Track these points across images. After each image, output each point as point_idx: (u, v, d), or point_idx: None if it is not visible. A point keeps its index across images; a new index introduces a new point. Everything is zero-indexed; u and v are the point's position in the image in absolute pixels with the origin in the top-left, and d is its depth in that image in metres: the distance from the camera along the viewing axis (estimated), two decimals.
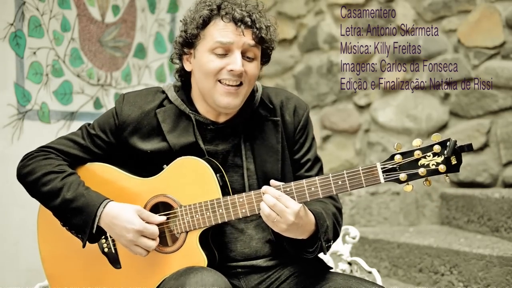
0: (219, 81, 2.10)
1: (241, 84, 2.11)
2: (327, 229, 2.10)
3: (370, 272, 2.56)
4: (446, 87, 4.08)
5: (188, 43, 2.14)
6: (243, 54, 2.10)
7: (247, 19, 2.08)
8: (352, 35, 4.46)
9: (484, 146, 3.95)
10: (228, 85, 2.09)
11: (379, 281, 2.48)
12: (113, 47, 3.75)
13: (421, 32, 4.18)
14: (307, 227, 2.03)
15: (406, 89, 4.26)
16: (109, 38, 3.73)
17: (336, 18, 4.50)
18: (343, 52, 4.49)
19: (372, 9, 4.35)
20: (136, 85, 3.86)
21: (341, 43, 4.48)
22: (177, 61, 2.23)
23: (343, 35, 4.48)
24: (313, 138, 2.30)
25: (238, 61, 2.07)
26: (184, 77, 2.24)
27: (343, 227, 2.72)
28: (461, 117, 4.05)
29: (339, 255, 2.71)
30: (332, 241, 2.14)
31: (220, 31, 2.08)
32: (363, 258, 3.62)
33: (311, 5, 4.62)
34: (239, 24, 2.07)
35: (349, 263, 2.67)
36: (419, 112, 4.19)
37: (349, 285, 2.08)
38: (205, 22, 2.10)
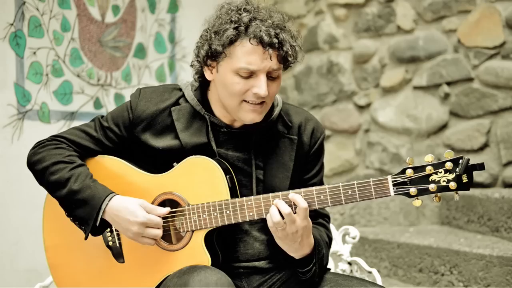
0: (244, 100, 2.08)
1: (263, 102, 2.10)
2: (322, 257, 2.12)
3: (370, 272, 2.56)
4: (446, 87, 4.08)
5: (211, 57, 2.10)
6: (267, 75, 2.07)
7: (275, 41, 2.03)
8: (352, 35, 4.46)
9: (484, 146, 3.95)
10: (253, 103, 2.08)
11: (379, 281, 2.48)
12: (113, 47, 3.76)
13: (421, 32, 4.19)
14: (302, 248, 2.05)
15: (406, 89, 4.27)
16: (109, 38, 3.73)
17: (336, 18, 4.50)
18: (343, 52, 4.50)
19: (372, 9, 4.35)
20: (136, 85, 3.86)
21: (341, 43, 4.49)
22: (197, 65, 2.19)
23: (343, 35, 4.48)
24: (323, 164, 2.31)
25: (263, 85, 2.04)
26: (203, 78, 2.21)
27: (343, 227, 2.74)
28: (461, 117, 4.05)
29: (339, 255, 2.71)
30: (323, 270, 2.16)
31: (247, 55, 2.03)
32: (363, 258, 3.62)
33: (311, 5, 4.63)
34: (267, 48, 2.03)
35: (349, 263, 2.67)
36: (419, 112, 4.19)
37: (349, 285, 2.08)
38: (231, 42, 2.05)
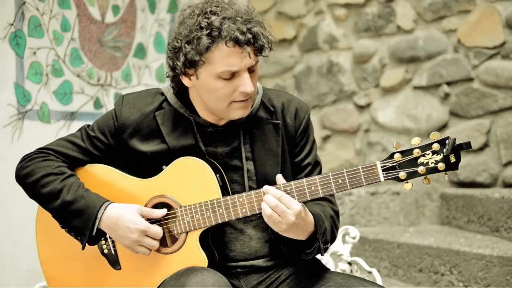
0: (233, 101, 2.08)
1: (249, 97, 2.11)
2: (325, 231, 2.10)
3: (370, 272, 2.56)
4: (446, 87, 4.09)
5: (189, 66, 2.09)
6: (247, 70, 2.07)
7: (249, 36, 2.02)
8: (352, 35, 4.47)
9: (484, 146, 3.95)
10: (241, 101, 2.08)
11: (379, 281, 2.48)
12: (113, 47, 3.76)
13: (421, 32, 4.19)
14: (307, 228, 2.03)
15: (406, 89, 4.27)
16: (109, 38, 3.73)
17: (336, 18, 4.50)
18: (343, 52, 4.50)
19: (372, 9, 4.35)
20: (136, 85, 3.86)
21: (341, 43, 4.49)
22: (172, 75, 2.19)
23: (343, 35, 4.48)
24: (314, 141, 2.29)
25: (248, 82, 2.05)
26: (181, 84, 2.20)
27: (343, 227, 2.73)
28: (461, 117, 4.05)
29: (339, 255, 2.70)
30: (329, 244, 2.14)
31: (226, 58, 2.02)
32: (363, 258, 3.62)
33: (311, 5, 4.63)
34: (244, 46, 2.01)
35: (349, 263, 2.67)
36: (419, 112, 4.19)
37: (349, 284, 2.08)
38: (208, 48, 2.02)
